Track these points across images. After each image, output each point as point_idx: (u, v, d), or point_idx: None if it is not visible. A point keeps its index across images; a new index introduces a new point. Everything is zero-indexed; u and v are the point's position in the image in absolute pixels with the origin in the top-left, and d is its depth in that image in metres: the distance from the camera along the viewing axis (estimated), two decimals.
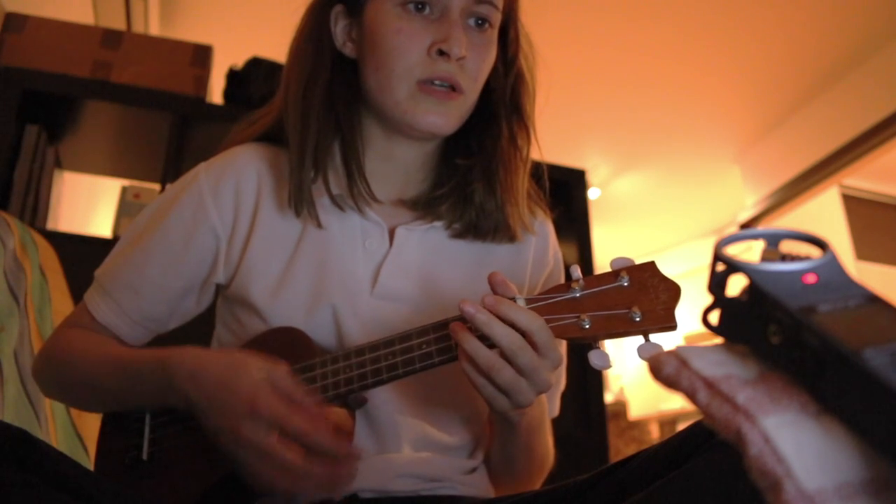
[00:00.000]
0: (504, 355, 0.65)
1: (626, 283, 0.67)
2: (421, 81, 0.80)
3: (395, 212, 0.88)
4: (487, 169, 0.86)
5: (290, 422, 0.64)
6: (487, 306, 0.66)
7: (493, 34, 0.85)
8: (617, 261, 0.69)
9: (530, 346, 0.66)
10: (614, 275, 0.68)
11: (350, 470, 0.65)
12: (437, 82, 0.80)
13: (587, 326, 0.66)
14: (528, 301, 0.69)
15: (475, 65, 0.82)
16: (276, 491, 0.65)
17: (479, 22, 0.82)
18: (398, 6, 0.80)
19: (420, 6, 0.80)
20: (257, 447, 0.64)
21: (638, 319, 0.65)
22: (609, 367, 0.66)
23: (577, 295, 0.68)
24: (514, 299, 0.69)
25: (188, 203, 0.86)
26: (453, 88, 0.80)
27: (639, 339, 0.66)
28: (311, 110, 0.83)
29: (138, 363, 0.77)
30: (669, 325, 0.64)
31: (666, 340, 0.51)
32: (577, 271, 0.69)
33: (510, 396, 0.67)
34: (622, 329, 0.66)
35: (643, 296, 0.66)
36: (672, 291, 0.65)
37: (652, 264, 0.68)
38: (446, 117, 0.81)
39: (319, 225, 0.83)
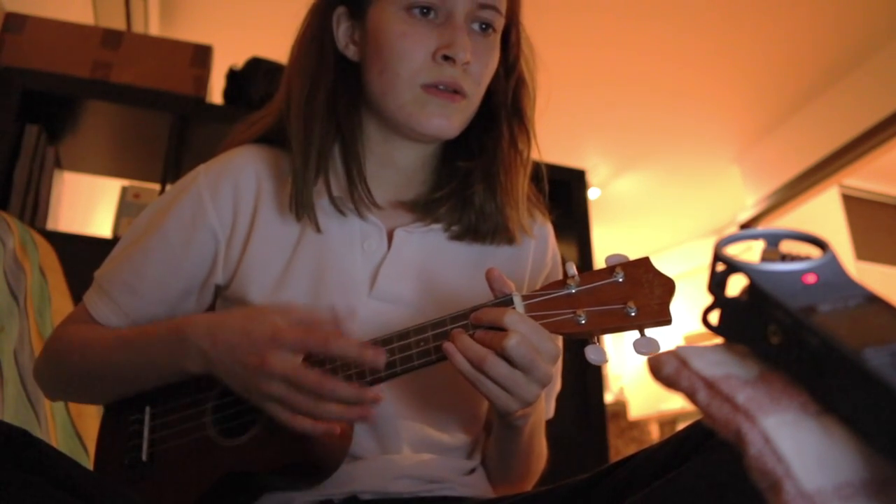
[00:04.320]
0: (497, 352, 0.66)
1: (620, 279, 0.67)
2: (425, 86, 0.80)
3: (394, 214, 0.88)
4: (488, 171, 0.86)
5: (313, 341, 0.67)
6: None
7: (496, 38, 0.85)
8: (612, 257, 0.70)
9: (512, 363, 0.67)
10: (609, 271, 0.68)
11: (376, 393, 0.68)
12: (441, 87, 0.80)
13: (583, 322, 0.67)
14: (524, 297, 0.70)
15: (479, 69, 0.82)
16: (308, 421, 0.67)
17: (483, 27, 0.82)
18: (402, 10, 0.80)
19: (425, 10, 0.80)
20: (285, 375, 0.66)
21: (633, 314, 0.65)
22: (605, 361, 0.66)
23: (573, 291, 0.69)
24: (510, 297, 0.69)
25: (188, 205, 0.86)
26: (457, 92, 0.81)
27: (635, 335, 0.66)
28: (314, 114, 0.83)
29: (148, 335, 0.79)
30: (664, 319, 0.65)
31: (665, 340, 0.51)
32: (572, 268, 0.70)
33: (511, 392, 0.67)
34: (618, 324, 0.66)
35: (638, 291, 0.66)
36: (666, 287, 0.66)
37: (646, 260, 0.68)
38: (450, 120, 0.81)
39: (318, 230, 0.83)
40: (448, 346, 0.67)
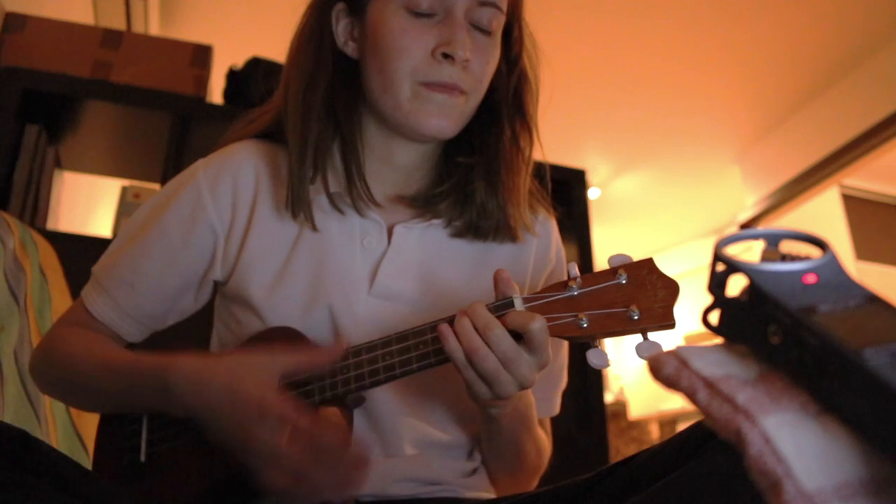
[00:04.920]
0: (486, 342, 0.66)
1: (623, 281, 0.66)
2: (424, 83, 0.79)
3: (394, 209, 0.88)
4: (489, 168, 0.86)
5: (298, 421, 0.64)
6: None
7: (497, 36, 0.84)
8: (615, 258, 0.68)
9: (525, 343, 0.66)
10: (612, 272, 0.67)
11: (360, 473, 0.65)
12: (440, 85, 0.79)
13: (585, 325, 0.66)
14: (526, 300, 0.69)
15: (479, 67, 0.81)
16: (286, 494, 0.65)
17: (484, 24, 0.82)
18: (402, 7, 0.80)
19: (424, 7, 0.79)
20: (268, 449, 0.64)
21: (636, 318, 0.64)
22: (607, 365, 0.65)
23: (575, 293, 0.68)
24: (511, 299, 0.69)
25: (186, 200, 0.86)
26: (456, 89, 0.80)
27: (637, 338, 0.66)
28: (312, 112, 0.83)
29: (137, 371, 0.77)
30: (668, 323, 0.64)
31: (666, 340, 0.51)
32: (574, 269, 0.69)
33: (490, 386, 0.67)
34: (620, 328, 0.65)
35: (641, 294, 0.65)
36: (670, 289, 0.65)
37: (650, 261, 0.67)
38: (449, 120, 0.81)
39: (314, 228, 0.83)
40: (443, 328, 0.67)
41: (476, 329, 0.66)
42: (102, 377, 0.79)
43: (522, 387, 0.68)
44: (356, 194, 0.83)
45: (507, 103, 0.87)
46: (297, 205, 0.82)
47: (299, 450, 0.63)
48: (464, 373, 0.67)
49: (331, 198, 0.84)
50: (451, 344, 0.66)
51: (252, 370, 0.68)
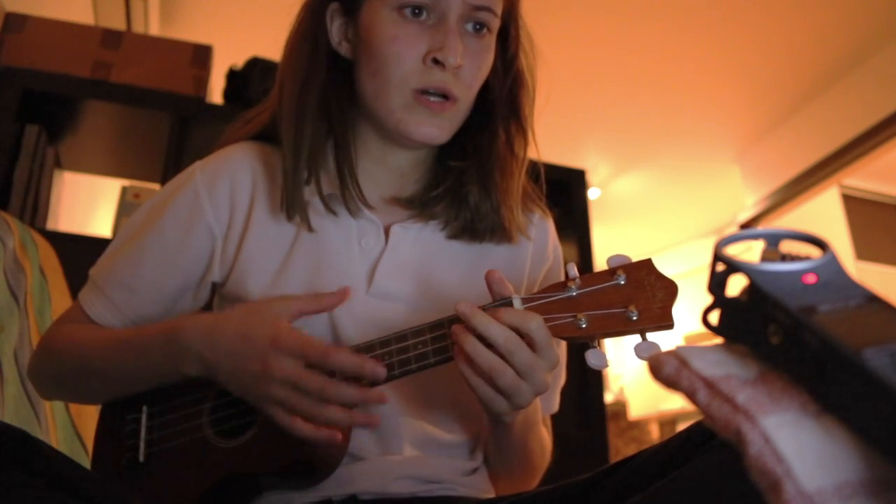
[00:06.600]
0: (502, 356, 0.65)
1: (622, 282, 0.67)
2: (416, 91, 0.79)
3: (391, 210, 0.88)
4: (482, 171, 0.86)
5: (311, 347, 0.67)
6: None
7: (491, 39, 0.84)
8: (614, 258, 0.69)
9: (527, 344, 0.66)
10: (611, 273, 0.68)
11: (380, 394, 0.69)
12: (431, 91, 0.79)
13: (584, 326, 0.66)
14: (525, 300, 0.69)
15: (471, 73, 0.81)
16: (309, 426, 0.67)
17: (477, 27, 0.81)
18: (394, 10, 0.79)
19: (417, 11, 0.79)
20: (288, 379, 0.67)
21: (635, 318, 0.64)
22: (606, 366, 0.66)
23: (574, 294, 0.68)
24: (510, 299, 0.69)
25: (184, 202, 0.86)
26: (447, 97, 0.80)
27: (636, 338, 0.66)
28: (306, 114, 0.83)
29: (143, 336, 0.78)
30: (666, 323, 0.64)
31: (665, 340, 0.51)
32: (573, 269, 0.69)
33: (510, 398, 0.67)
34: (619, 328, 0.65)
35: (640, 294, 0.65)
36: (669, 290, 0.65)
37: (648, 262, 0.67)
38: (440, 129, 0.81)
39: (310, 229, 0.83)
40: (458, 352, 0.67)
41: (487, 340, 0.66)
42: (107, 353, 0.80)
43: (538, 393, 0.68)
44: (348, 196, 0.83)
45: (501, 104, 0.87)
46: (292, 206, 0.82)
47: (317, 374, 0.66)
48: (479, 394, 0.67)
49: (324, 200, 0.83)
50: (465, 371, 0.67)
51: (262, 313, 0.71)
